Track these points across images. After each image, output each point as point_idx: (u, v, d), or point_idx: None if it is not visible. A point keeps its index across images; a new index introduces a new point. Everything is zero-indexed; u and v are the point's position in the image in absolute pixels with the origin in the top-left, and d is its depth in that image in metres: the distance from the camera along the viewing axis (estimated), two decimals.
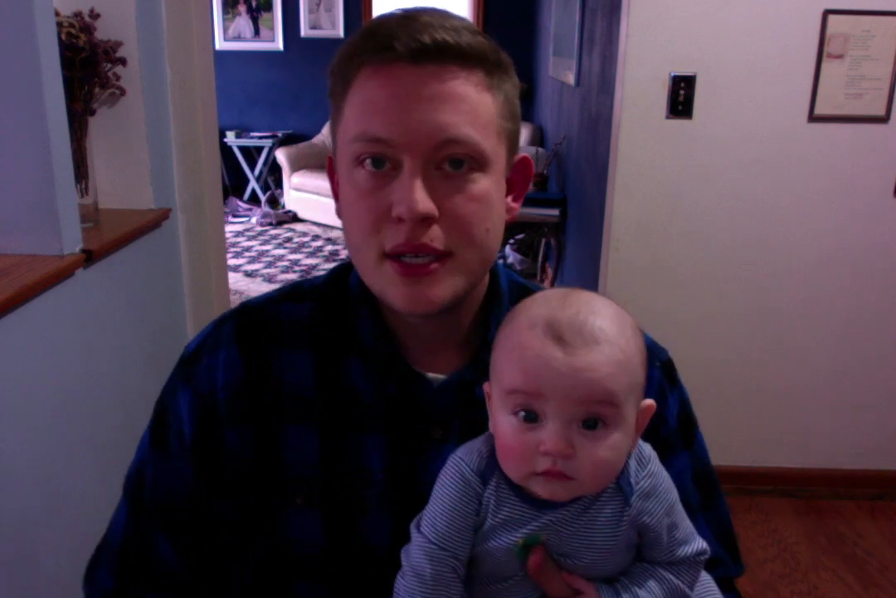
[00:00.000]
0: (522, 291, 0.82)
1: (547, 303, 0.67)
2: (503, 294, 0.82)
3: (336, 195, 0.79)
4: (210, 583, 0.83)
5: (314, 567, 0.77)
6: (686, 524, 0.71)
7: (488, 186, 0.71)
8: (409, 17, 0.69)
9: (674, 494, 0.70)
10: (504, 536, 0.67)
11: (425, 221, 0.68)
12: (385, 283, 0.71)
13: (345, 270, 0.83)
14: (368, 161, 0.69)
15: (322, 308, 0.81)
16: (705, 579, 0.74)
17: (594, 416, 0.64)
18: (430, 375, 0.78)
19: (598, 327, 0.64)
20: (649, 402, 0.69)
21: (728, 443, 2.57)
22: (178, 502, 0.80)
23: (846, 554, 2.36)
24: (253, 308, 0.83)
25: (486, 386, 0.71)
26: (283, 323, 0.81)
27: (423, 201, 0.67)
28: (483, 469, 0.68)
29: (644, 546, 0.70)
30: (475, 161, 0.70)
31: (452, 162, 0.69)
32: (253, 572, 0.80)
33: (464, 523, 0.67)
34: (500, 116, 0.72)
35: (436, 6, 0.73)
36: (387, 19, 0.70)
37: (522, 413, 0.65)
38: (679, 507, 0.70)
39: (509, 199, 0.78)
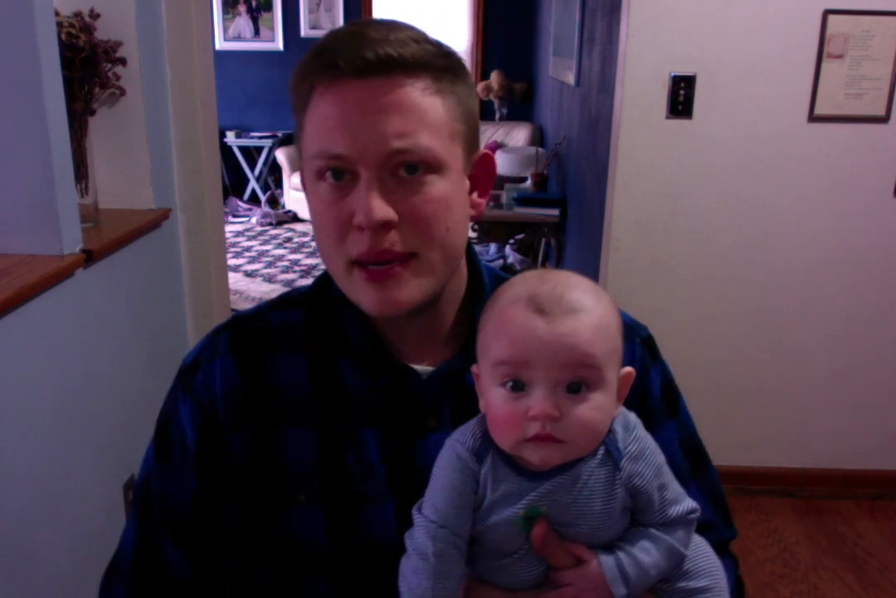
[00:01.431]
0: (501, 280, 0.86)
1: (526, 281, 0.72)
2: (486, 288, 0.85)
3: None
4: (221, 587, 0.85)
5: (320, 562, 0.79)
6: (675, 485, 0.74)
7: (444, 186, 0.74)
8: (355, 34, 0.72)
9: (660, 457, 0.74)
10: (505, 510, 0.70)
11: (385, 226, 0.71)
12: (356, 289, 0.75)
13: (329, 276, 0.86)
14: (329, 174, 0.73)
15: (312, 313, 0.84)
16: (700, 542, 0.77)
17: (578, 379, 0.67)
18: (420, 367, 0.81)
19: (575, 298, 0.69)
20: (629, 369, 0.73)
21: (728, 443, 2.57)
22: (184, 510, 0.82)
23: (846, 554, 2.36)
24: (245, 318, 0.86)
25: (474, 368, 0.74)
26: (275, 330, 0.84)
27: (380, 209, 0.70)
28: (478, 448, 0.71)
29: (637, 510, 0.72)
30: (428, 165, 0.72)
31: (406, 167, 0.72)
32: (262, 571, 0.83)
33: (462, 501, 0.70)
34: (452, 118, 0.74)
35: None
36: (334, 37, 0.73)
37: (510, 383, 0.68)
38: (666, 469, 0.74)
39: (474, 195, 0.80)
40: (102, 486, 1.83)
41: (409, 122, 0.71)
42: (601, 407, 0.68)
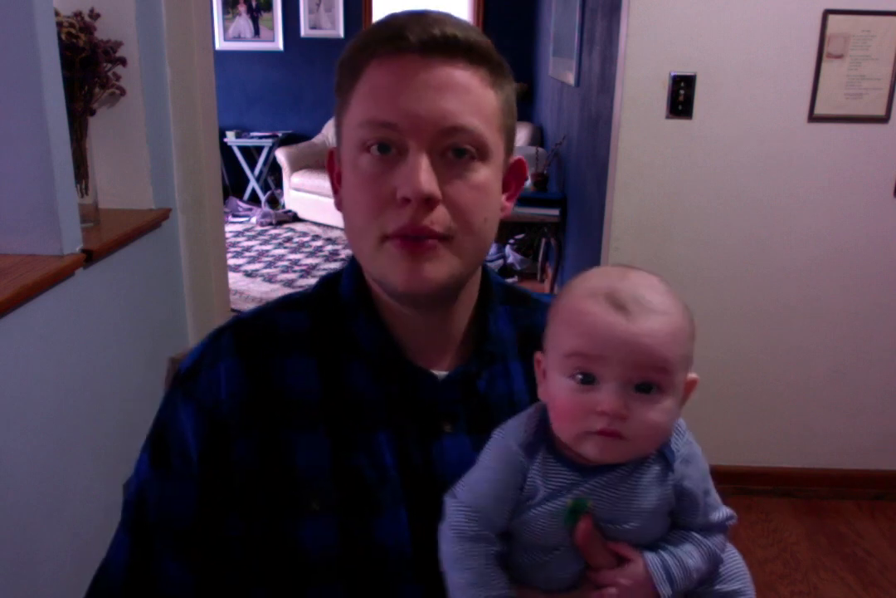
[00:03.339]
0: (508, 289, 0.88)
1: (606, 276, 0.72)
2: (495, 292, 0.84)
3: (335, 188, 0.81)
4: None
5: (332, 571, 0.75)
6: (714, 492, 0.75)
7: (488, 175, 0.74)
8: (419, 13, 0.72)
9: (706, 463, 0.74)
10: (552, 502, 0.70)
11: (429, 203, 0.70)
12: (386, 263, 0.73)
13: (333, 279, 0.85)
14: (374, 146, 0.71)
15: (317, 316, 0.82)
16: (729, 546, 0.77)
17: (648, 381, 0.67)
18: (434, 371, 0.80)
19: (656, 300, 0.69)
20: (694, 376, 0.72)
21: (728, 443, 2.58)
22: (185, 522, 0.78)
23: (846, 554, 2.36)
24: (248, 319, 0.83)
25: (538, 355, 0.74)
26: (280, 331, 0.81)
27: (428, 182, 0.69)
28: (529, 443, 0.71)
29: (681, 512, 0.73)
30: (478, 150, 0.72)
31: (455, 150, 0.71)
32: (268, 583, 0.78)
33: (504, 493, 0.70)
34: (502, 112, 0.75)
35: (436, 5, 0.75)
36: (397, 15, 0.73)
37: (580, 376, 0.68)
38: (709, 475, 0.74)
39: (503, 197, 0.80)
40: (102, 486, 1.83)
41: (467, 104, 0.71)
42: (668, 411, 0.68)
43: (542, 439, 0.71)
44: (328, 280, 0.85)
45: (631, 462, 0.70)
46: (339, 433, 0.77)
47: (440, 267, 0.72)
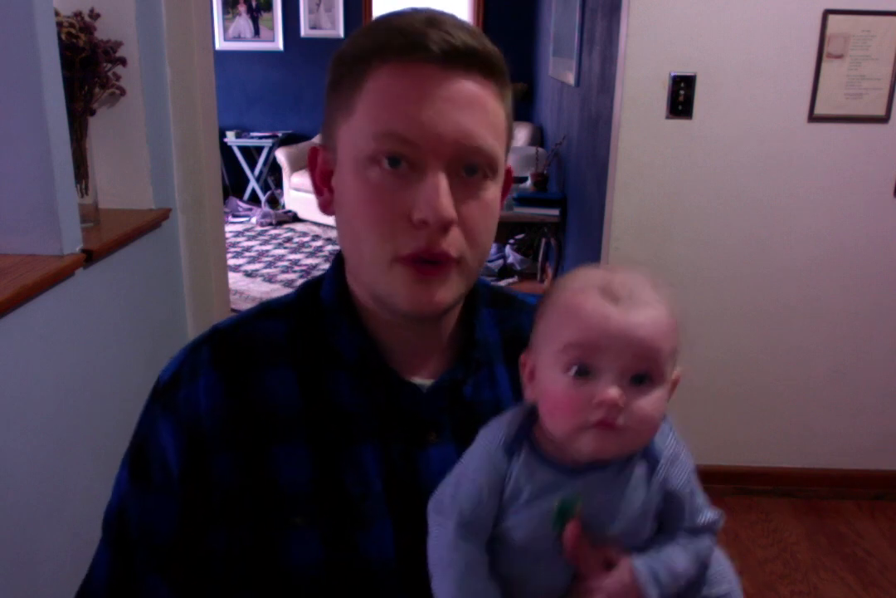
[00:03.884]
0: (493, 292, 0.87)
1: (594, 273, 0.72)
2: (481, 295, 0.83)
3: (319, 189, 0.77)
4: None
5: (315, 587, 0.73)
6: (701, 494, 0.74)
7: (495, 193, 0.73)
8: (432, 18, 0.68)
9: (692, 463, 0.74)
10: (538, 502, 0.69)
11: (447, 226, 0.68)
12: (394, 285, 0.71)
13: (314, 286, 0.82)
14: (385, 160, 0.68)
15: (297, 324, 0.79)
16: (718, 554, 0.77)
17: (643, 372, 0.68)
18: (418, 380, 0.78)
19: (647, 293, 0.69)
20: (679, 371, 0.72)
21: (728, 443, 2.57)
22: (166, 537, 0.76)
23: (846, 554, 2.36)
24: (226, 331, 0.80)
25: (523, 357, 0.73)
26: (259, 342, 0.78)
27: (449, 208, 0.67)
28: (510, 443, 0.71)
29: (667, 515, 0.72)
30: (490, 169, 0.71)
31: (467, 168, 0.69)
32: (250, 597, 0.76)
33: (482, 495, 0.69)
34: (507, 126, 0.74)
35: (436, 6, 0.74)
36: (410, 18, 0.69)
37: (575, 369, 0.68)
38: (695, 477, 0.74)
39: None
40: (102, 486, 1.83)
41: (483, 123, 0.69)
42: (659, 402, 0.69)
43: (526, 438, 0.71)
44: (309, 285, 0.83)
45: (616, 463, 0.69)
46: (321, 446, 0.74)
47: (449, 290, 0.71)
